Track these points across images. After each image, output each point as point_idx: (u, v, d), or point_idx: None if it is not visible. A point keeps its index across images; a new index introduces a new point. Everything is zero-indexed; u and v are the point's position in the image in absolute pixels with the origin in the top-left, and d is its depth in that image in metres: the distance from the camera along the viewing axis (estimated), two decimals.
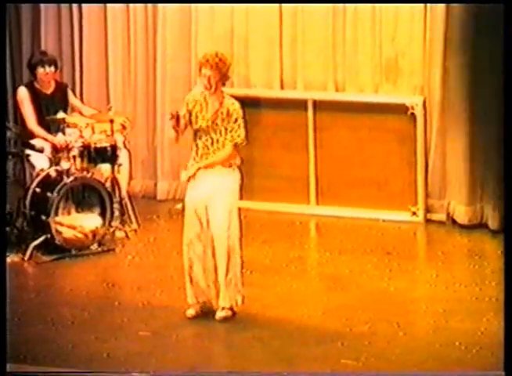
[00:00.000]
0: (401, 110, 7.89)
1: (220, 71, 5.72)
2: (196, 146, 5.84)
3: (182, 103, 8.37)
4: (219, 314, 5.86)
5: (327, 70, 8.16)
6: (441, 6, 7.70)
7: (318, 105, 8.06)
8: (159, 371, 5.19)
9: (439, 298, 6.26)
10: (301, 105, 8.09)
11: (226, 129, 5.77)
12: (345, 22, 8.04)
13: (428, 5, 7.77)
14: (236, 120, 5.78)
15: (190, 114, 5.85)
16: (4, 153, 6.06)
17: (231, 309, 5.89)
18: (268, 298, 6.24)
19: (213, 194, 5.81)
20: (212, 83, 5.73)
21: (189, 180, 5.83)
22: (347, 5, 8.01)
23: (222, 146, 5.79)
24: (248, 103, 8.14)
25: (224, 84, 5.83)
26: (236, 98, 8.14)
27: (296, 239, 7.51)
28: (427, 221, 7.87)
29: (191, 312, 5.91)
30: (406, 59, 7.96)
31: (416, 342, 5.59)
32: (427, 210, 7.90)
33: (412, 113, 7.87)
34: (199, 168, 5.80)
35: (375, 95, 8.06)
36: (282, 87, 8.26)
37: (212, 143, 5.80)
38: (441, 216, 7.87)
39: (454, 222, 7.73)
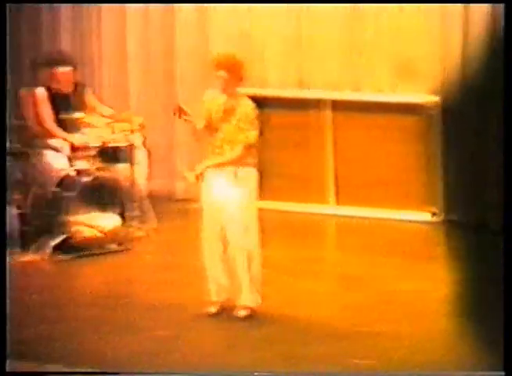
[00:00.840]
0: (418, 110, 7.87)
1: (235, 73, 5.73)
2: (211, 145, 5.85)
3: (199, 102, 8.47)
4: (241, 313, 5.87)
5: (344, 70, 8.15)
6: (460, 7, 7.68)
7: (335, 105, 8.07)
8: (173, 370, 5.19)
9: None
10: (318, 105, 8.10)
11: (241, 130, 5.78)
12: (363, 22, 8.03)
13: (446, 5, 7.75)
14: (251, 121, 5.78)
15: (204, 113, 5.83)
16: (4, 153, 6.08)
17: (251, 307, 5.90)
18: (285, 298, 6.23)
19: (230, 195, 5.81)
20: (227, 84, 5.74)
21: (197, 179, 5.82)
22: (365, 4, 8.01)
23: (235, 146, 5.79)
24: (265, 103, 8.18)
25: (238, 85, 5.83)
26: (253, 98, 8.19)
27: (314, 239, 7.52)
28: (447, 221, 7.84)
29: (212, 309, 5.91)
30: (423, 59, 7.94)
31: (435, 344, 5.57)
32: (447, 210, 7.87)
33: (430, 113, 7.85)
34: (207, 167, 5.79)
35: (392, 95, 8.05)
36: (299, 87, 8.27)
37: (228, 143, 5.80)
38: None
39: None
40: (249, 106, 5.82)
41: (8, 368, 4.95)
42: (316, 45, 8.20)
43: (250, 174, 5.87)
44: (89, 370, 5.14)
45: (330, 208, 8.13)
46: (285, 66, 8.29)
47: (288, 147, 8.23)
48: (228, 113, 5.79)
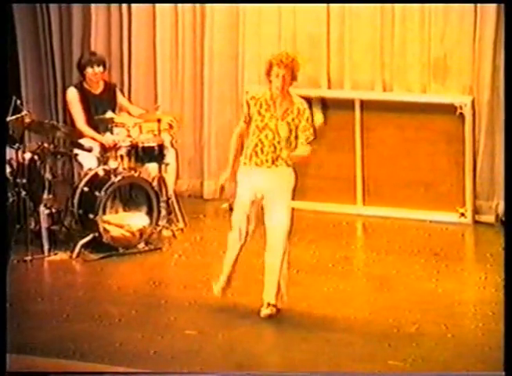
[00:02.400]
0: (449, 109, 7.80)
1: (293, 71, 5.73)
2: (261, 143, 5.80)
3: (228, 104, 8.48)
4: (265, 311, 5.85)
5: (375, 70, 8.11)
6: (492, 5, 7.61)
7: (365, 105, 8.02)
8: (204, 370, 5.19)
9: (488, 300, 6.17)
10: (348, 105, 8.05)
11: (297, 128, 5.77)
12: (394, 21, 7.99)
13: (478, 4, 7.68)
14: (307, 119, 5.79)
15: (250, 112, 5.81)
16: (4, 153, 6.12)
17: (276, 305, 5.88)
18: (315, 298, 6.21)
19: (271, 192, 5.79)
20: (285, 82, 5.73)
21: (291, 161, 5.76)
22: (395, 4, 7.96)
23: (289, 145, 5.78)
24: None
25: (292, 84, 5.81)
26: None
27: (342, 239, 7.48)
28: (476, 222, 7.78)
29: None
30: (455, 58, 7.88)
31: (465, 345, 5.52)
32: (476, 211, 7.80)
33: (461, 113, 7.78)
34: (293, 157, 5.73)
35: (423, 95, 7.99)
36: (329, 86, 8.25)
37: (279, 142, 5.78)
38: (490, 217, 7.78)
39: (503, 223, 7.62)
40: (304, 104, 5.83)
41: (39, 366, 4.98)
42: (346, 44, 8.16)
43: (291, 173, 5.85)
44: (115, 367, 5.15)
45: (358, 209, 8.09)
46: (316, 66, 8.24)
47: (318, 147, 8.14)
48: (283, 111, 5.77)
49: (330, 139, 8.14)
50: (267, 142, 5.79)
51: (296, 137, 5.80)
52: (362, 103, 8.02)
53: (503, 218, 7.62)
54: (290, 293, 5.94)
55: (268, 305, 5.86)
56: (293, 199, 5.91)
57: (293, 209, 5.89)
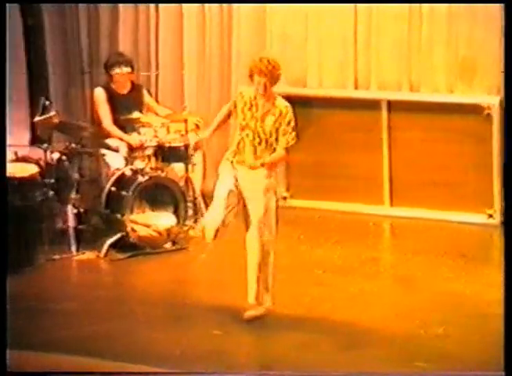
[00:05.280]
0: (477, 110, 7.75)
1: (273, 77, 5.68)
2: (243, 141, 5.77)
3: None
4: (248, 313, 5.81)
5: (402, 70, 8.06)
6: None
7: (392, 105, 7.99)
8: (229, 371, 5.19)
9: None
10: (374, 105, 8.02)
11: (277, 131, 5.72)
12: (421, 21, 7.94)
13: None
14: (289, 122, 5.72)
15: (236, 107, 5.79)
16: (4, 152, 6.15)
17: (260, 305, 5.82)
18: (340, 299, 6.19)
19: (248, 191, 5.73)
20: (266, 89, 5.69)
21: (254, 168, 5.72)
22: (422, 4, 7.91)
23: (270, 147, 5.73)
24: (321, 104, 8.19)
25: (274, 85, 5.75)
26: (309, 98, 8.21)
27: (369, 240, 7.44)
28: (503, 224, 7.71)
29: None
30: (482, 58, 7.81)
31: (491, 346, 5.47)
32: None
33: (488, 114, 7.72)
34: (262, 165, 5.71)
35: (450, 96, 7.94)
36: (356, 87, 8.21)
37: (260, 143, 5.74)
38: None
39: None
40: (287, 107, 5.75)
41: (63, 365, 5.00)
42: (374, 44, 8.12)
43: (267, 176, 5.77)
44: (141, 367, 5.16)
45: (385, 209, 8.05)
46: (342, 67, 8.21)
47: (345, 148, 8.17)
48: (264, 112, 5.73)
49: (357, 139, 8.14)
50: (248, 142, 5.75)
51: (276, 140, 5.73)
52: (389, 103, 7.98)
53: None
54: (314, 293, 5.90)
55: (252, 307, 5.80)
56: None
57: (277, 208, 5.79)
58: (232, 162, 5.80)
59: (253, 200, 5.75)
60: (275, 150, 5.74)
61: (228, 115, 5.89)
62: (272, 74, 5.67)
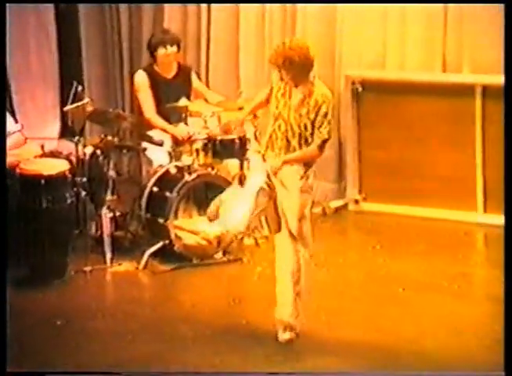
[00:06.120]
0: None
1: (292, 64, 5.58)
2: (275, 133, 5.76)
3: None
4: (283, 336, 5.87)
5: (499, 50, 7.94)
6: None
7: (487, 91, 7.93)
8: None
9: None
10: (467, 91, 7.98)
11: (313, 123, 5.68)
12: None
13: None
14: (325, 114, 5.67)
15: (271, 94, 5.77)
16: (4, 152, 6.20)
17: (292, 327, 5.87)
18: (424, 321, 6.15)
19: (279, 191, 5.72)
20: (295, 81, 5.64)
21: (275, 174, 5.72)
22: None
23: (305, 142, 5.70)
24: (402, 89, 8.16)
25: (311, 71, 5.66)
26: (389, 82, 8.15)
27: (459, 252, 7.43)
28: None
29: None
30: None
31: None
32: None
33: None
34: (284, 162, 5.70)
35: None
36: (444, 70, 8.19)
37: (293, 136, 5.71)
38: None
39: None
40: (325, 96, 5.68)
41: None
42: (466, 21, 8.06)
43: (300, 173, 5.74)
44: None
45: (479, 216, 8.03)
46: (428, 46, 8.20)
47: (431, 143, 8.14)
48: (298, 101, 5.69)
49: (445, 132, 8.11)
50: (280, 135, 5.74)
51: (312, 134, 5.69)
52: (484, 88, 7.93)
53: None
54: (393, 315, 5.84)
55: (286, 327, 5.82)
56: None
57: (312, 214, 5.82)
58: (263, 155, 5.80)
59: (286, 199, 5.72)
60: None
61: (267, 100, 5.86)
62: (290, 61, 5.56)
